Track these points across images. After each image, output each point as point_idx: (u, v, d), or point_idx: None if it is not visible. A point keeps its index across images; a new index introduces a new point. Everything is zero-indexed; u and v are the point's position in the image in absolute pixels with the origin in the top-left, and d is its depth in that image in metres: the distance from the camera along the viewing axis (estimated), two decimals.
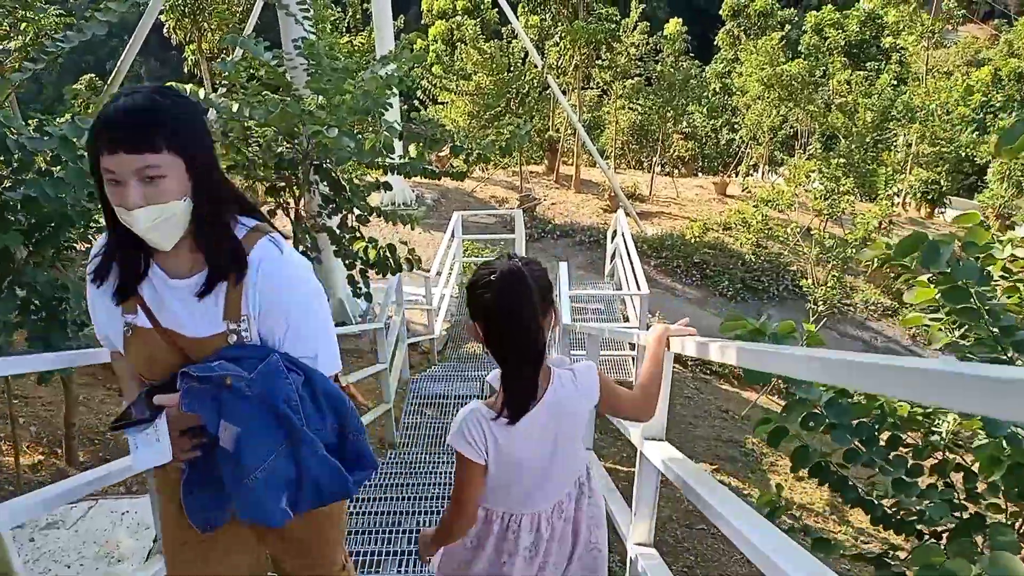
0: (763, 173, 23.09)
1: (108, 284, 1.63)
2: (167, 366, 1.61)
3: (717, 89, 25.09)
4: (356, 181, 6.26)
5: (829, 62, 22.24)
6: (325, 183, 6.09)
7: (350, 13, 20.82)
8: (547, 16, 18.97)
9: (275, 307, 1.61)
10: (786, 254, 14.39)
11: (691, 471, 2.04)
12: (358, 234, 6.08)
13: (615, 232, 11.79)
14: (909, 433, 2.75)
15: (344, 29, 20.53)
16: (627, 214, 13.73)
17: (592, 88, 22.79)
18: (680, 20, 26.62)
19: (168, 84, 5.25)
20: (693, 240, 13.58)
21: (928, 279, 2.60)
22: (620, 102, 20.48)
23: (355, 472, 1.71)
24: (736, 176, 22.87)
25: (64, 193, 3.62)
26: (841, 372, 1.06)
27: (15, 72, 3.86)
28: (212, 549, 1.84)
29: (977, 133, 18.08)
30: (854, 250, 10.03)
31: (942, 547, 2.58)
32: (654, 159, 21.57)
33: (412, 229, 6.50)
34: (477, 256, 13.96)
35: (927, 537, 2.76)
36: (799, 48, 26.99)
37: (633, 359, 8.87)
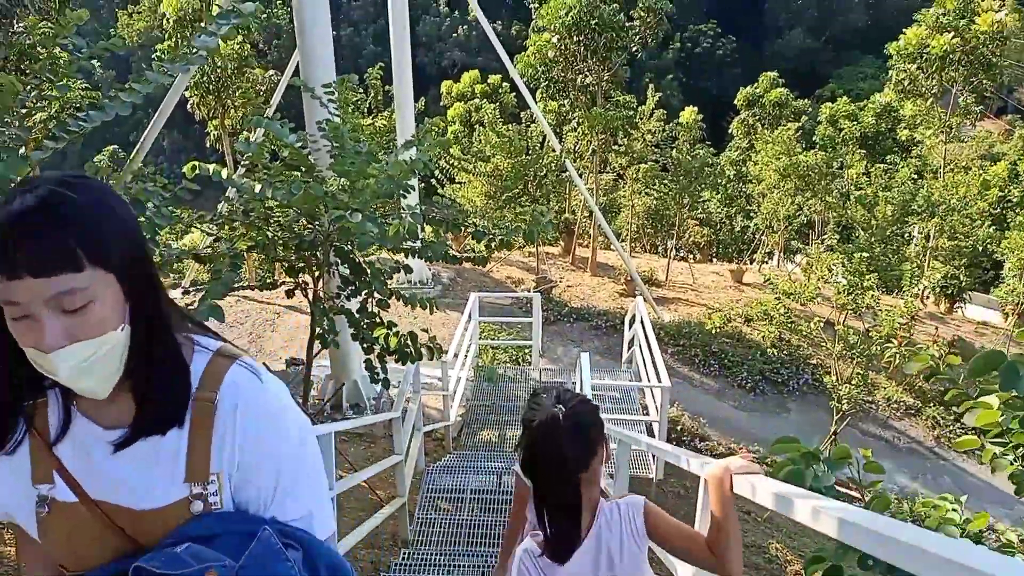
0: (779, 261, 23.02)
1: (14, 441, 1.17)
2: (102, 555, 1.15)
3: (731, 176, 25.28)
4: (377, 265, 6.12)
5: (846, 153, 22.41)
6: (345, 265, 5.97)
7: (372, 94, 21.24)
8: (565, 102, 19.27)
9: (262, 459, 1.20)
10: (806, 347, 14.12)
11: None
12: (378, 319, 5.91)
13: (633, 318, 11.62)
14: None
15: (366, 110, 20.90)
16: (644, 299, 13.58)
17: (608, 172, 23.00)
18: (695, 108, 27.05)
19: (192, 163, 5.19)
20: (713, 330, 13.37)
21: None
22: (636, 186, 20.59)
23: None
24: (752, 264, 22.80)
25: None
26: None
27: (35, 151, 3.76)
28: None
29: (995, 228, 17.98)
30: (878, 347, 9.79)
31: None
32: (670, 244, 21.55)
33: (431, 313, 6.33)
34: (494, 339, 13.75)
35: None
36: (814, 138, 27.29)
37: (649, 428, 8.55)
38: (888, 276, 13.10)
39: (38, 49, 12.11)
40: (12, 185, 1.29)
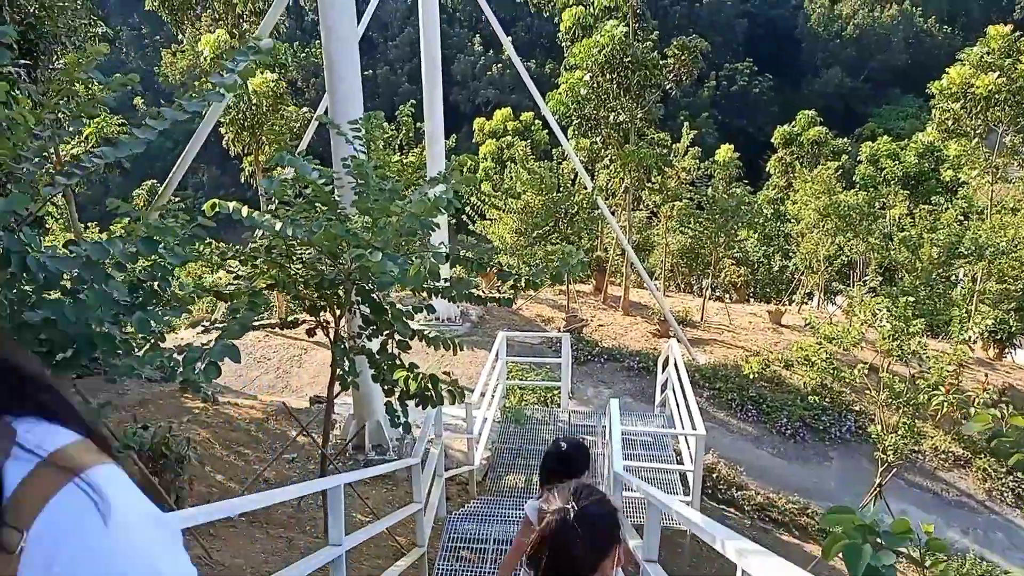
0: (819, 302, 22.46)
1: None
2: None
3: (769, 215, 24.88)
4: (399, 305, 5.93)
5: (888, 193, 21.91)
6: (366, 304, 5.78)
7: (403, 131, 21.31)
8: (597, 139, 19.11)
9: None
10: (848, 392, 13.59)
11: None
12: (398, 361, 5.70)
13: (667, 360, 11.28)
14: None
15: (397, 147, 20.96)
16: (678, 340, 13.22)
17: (642, 210, 22.74)
18: (731, 146, 26.77)
19: (212, 201, 5.07)
20: (752, 376, 12.94)
21: None
22: (670, 224, 20.30)
23: None
24: (791, 305, 22.28)
25: (85, 316, 3.33)
26: None
27: (47, 186, 3.63)
28: None
29: None
30: (925, 396, 9.33)
31: None
32: (705, 283, 21.15)
33: (454, 354, 6.10)
34: (522, 379, 13.47)
35: None
36: (854, 178, 26.79)
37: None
38: (935, 321, 12.61)
39: (74, 86, 12.30)
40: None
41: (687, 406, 8.37)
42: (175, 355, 4.11)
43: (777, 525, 10.53)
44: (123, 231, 4.06)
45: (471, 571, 6.36)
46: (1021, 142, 18.05)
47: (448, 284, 5.90)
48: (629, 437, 9.86)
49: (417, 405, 5.48)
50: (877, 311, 9.82)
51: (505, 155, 28.86)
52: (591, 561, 1.80)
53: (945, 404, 9.29)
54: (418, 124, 19.72)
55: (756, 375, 13.07)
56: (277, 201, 6.00)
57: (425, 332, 5.95)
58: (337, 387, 5.88)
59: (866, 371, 9.39)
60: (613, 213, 18.96)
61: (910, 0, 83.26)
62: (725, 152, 25.89)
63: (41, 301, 3.28)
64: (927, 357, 9.40)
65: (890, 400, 9.30)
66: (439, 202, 5.75)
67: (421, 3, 14.01)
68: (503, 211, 18.65)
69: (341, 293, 5.85)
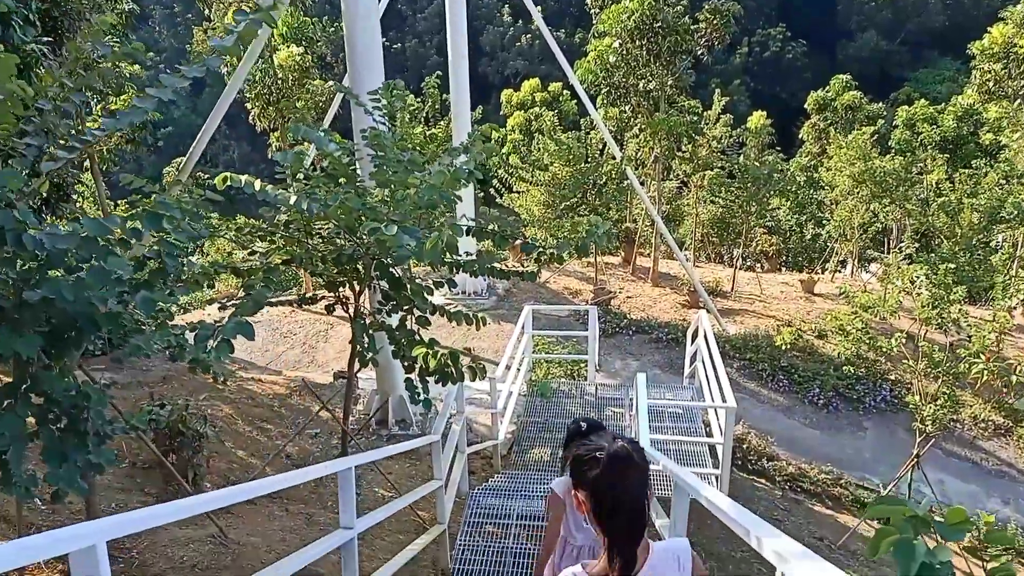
0: (852, 270, 21.96)
1: None
2: None
3: (802, 183, 24.31)
4: (419, 280, 5.80)
5: (926, 158, 21.26)
6: (385, 280, 5.67)
7: (429, 103, 21.08)
8: (626, 108, 18.70)
9: None
10: (883, 361, 13.28)
11: None
12: (417, 337, 5.59)
13: (696, 332, 11.08)
14: None
15: (424, 119, 20.75)
16: (708, 311, 12.99)
17: (672, 179, 22.32)
18: (764, 113, 26.19)
19: (223, 175, 4.96)
20: (784, 346, 12.69)
21: None
22: (700, 194, 19.93)
23: None
24: (824, 273, 21.81)
25: (85, 295, 3.25)
26: None
27: (48, 161, 3.54)
28: None
29: None
30: (966, 365, 9.03)
31: None
32: (736, 253, 20.77)
33: (477, 329, 5.97)
34: (548, 352, 13.34)
35: None
36: (889, 143, 26.04)
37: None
38: (975, 288, 12.20)
39: (101, 64, 12.29)
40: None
41: (717, 378, 8.18)
42: (187, 333, 4.03)
43: (809, 496, 10.36)
44: (133, 208, 3.97)
45: (495, 546, 6.29)
46: None
47: (470, 258, 5.76)
48: (658, 409, 9.72)
49: (437, 382, 5.37)
50: (916, 278, 9.48)
51: (533, 126, 28.49)
52: (645, 488, 1.94)
53: (985, 372, 9.01)
54: (444, 96, 19.48)
55: (788, 345, 12.82)
56: (302, 176, 5.88)
57: (447, 307, 5.83)
58: (357, 363, 5.79)
59: (904, 340, 9.10)
60: (642, 183, 18.63)
61: None
62: (757, 119, 25.33)
63: (41, 280, 3.20)
64: (968, 325, 9.09)
65: (929, 369, 9.01)
66: (459, 173, 5.59)
67: None
68: (531, 183, 18.40)
69: (360, 268, 5.74)
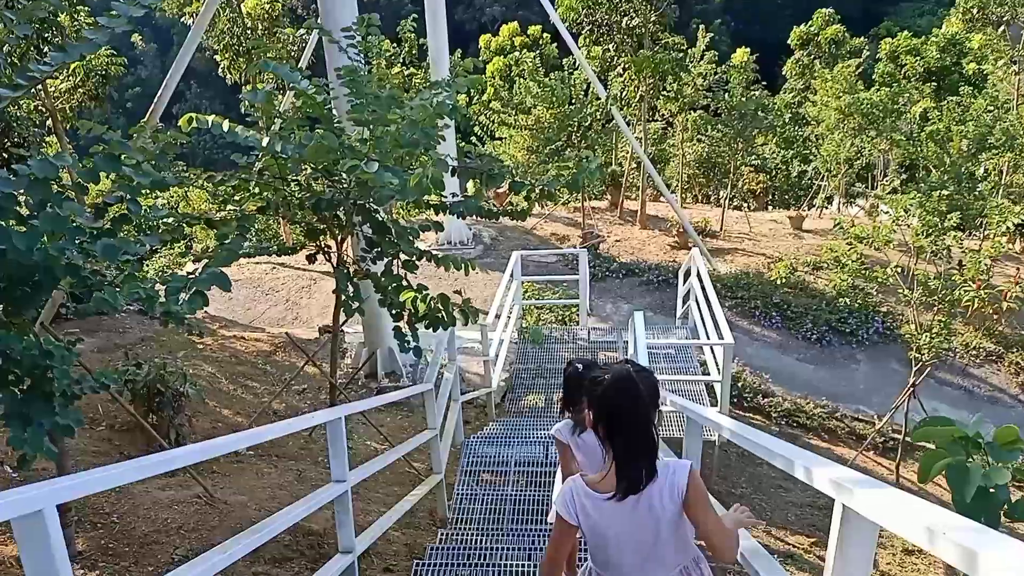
0: (839, 206, 21.82)
1: None
2: None
3: (787, 120, 23.99)
4: (403, 222, 5.54)
5: (913, 89, 20.96)
6: (368, 225, 5.40)
7: (406, 48, 20.48)
8: (610, 47, 18.22)
9: None
10: (875, 294, 13.20)
11: None
12: (405, 283, 5.34)
13: (688, 272, 10.91)
14: None
15: (401, 63, 20.17)
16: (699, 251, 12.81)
17: (657, 120, 21.94)
18: (748, 50, 25.73)
19: (188, 115, 4.65)
20: (779, 280, 12.57)
21: None
22: (686, 134, 19.58)
23: None
24: (812, 210, 21.65)
25: (41, 245, 2.98)
26: None
27: None
28: None
29: None
30: (961, 291, 8.94)
31: None
32: (723, 192, 20.53)
33: (466, 274, 5.73)
34: (538, 299, 13.14)
35: None
36: (872, 77, 25.70)
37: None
38: (966, 215, 12.07)
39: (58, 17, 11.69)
40: None
41: (712, 315, 8.04)
42: (158, 285, 3.77)
43: (806, 430, 10.38)
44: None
45: (492, 494, 6.16)
46: None
47: (457, 198, 5.51)
48: (653, 350, 9.59)
49: (428, 327, 5.15)
50: (909, 207, 9.31)
51: (513, 71, 27.85)
52: (651, 407, 2.04)
53: (976, 300, 8.95)
54: (421, 41, 18.90)
55: (783, 280, 12.71)
56: (278, 122, 5.55)
57: (433, 253, 5.58)
58: (343, 315, 5.56)
59: (898, 270, 8.98)
60: (628, 124, 18.25)
61: None
62: (741, 55, 24.89)
63: None
64: (963, 251, 8.98)
65: (924, 297, 8.92)
66: (442, 107, 5.29)
67: None
68: (513, 128, 17.97)
69: (341, 214, 5.47)
